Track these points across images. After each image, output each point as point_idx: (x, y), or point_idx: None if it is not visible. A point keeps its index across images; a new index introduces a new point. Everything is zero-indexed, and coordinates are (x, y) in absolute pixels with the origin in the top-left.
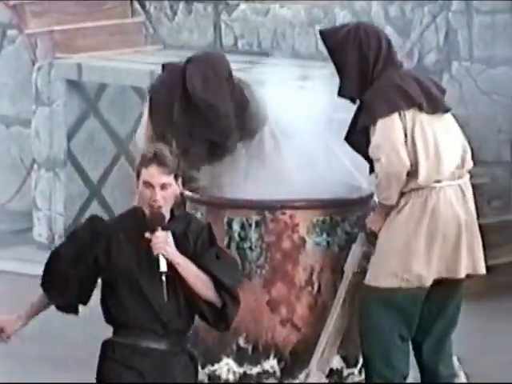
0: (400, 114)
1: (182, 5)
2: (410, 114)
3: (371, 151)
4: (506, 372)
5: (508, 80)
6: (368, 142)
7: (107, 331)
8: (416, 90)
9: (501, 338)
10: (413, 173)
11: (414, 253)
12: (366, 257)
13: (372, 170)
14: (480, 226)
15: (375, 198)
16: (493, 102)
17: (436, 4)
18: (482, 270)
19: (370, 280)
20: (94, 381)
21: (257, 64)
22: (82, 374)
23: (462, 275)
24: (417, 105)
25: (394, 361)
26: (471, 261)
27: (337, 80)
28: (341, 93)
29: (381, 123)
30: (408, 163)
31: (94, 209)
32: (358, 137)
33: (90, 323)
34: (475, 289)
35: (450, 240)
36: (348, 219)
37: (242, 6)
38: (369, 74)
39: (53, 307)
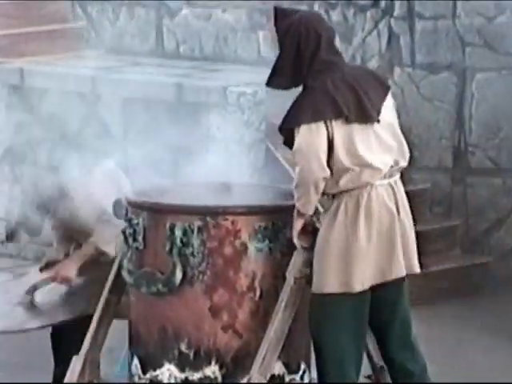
0: (326, 123)
1: (124, 9)
2: (337, 123)
3: (293, 154)
4: (446, 378)
5: (450, 86)
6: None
7: None
8: (347, 101)
9: (442, 344)
10: (342, 178)
11: (354, 255)
12: (307, 262)
13: None
14: (422, 232)
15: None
16: (435, 108)
17: (378, 9)
18: (416, 269)
19: (314, 288)
20: None
21: (199, 69)
22: None
23: (400, 275)
24: (343, 116)
25: (348, 369)
26: (407, 259)
27: None
28: (270, 84)
29: (304, 129)
30: (327, 172)
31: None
32: (287, 133)
33: None
34: (416, 295)
35: (384, 239)
36: (290, 225)
37: (184, 11)
38: (302, 73)
39: None
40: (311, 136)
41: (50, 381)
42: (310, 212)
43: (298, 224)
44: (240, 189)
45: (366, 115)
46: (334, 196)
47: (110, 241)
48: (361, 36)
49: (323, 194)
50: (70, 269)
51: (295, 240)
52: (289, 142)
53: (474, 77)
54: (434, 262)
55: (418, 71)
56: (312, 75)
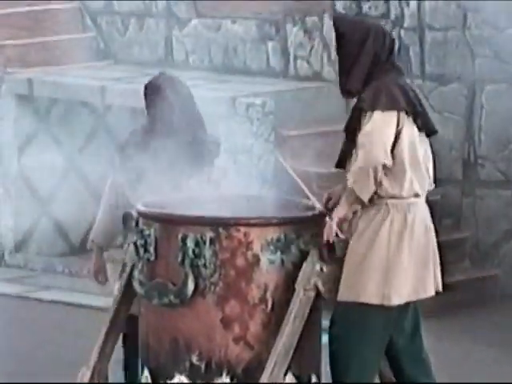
0: (398, 114)
1: (133, 20)
2: (407, 120)
3: (360, 137)
4: None
5: (460, 97)
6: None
7: None
8: (416, 100)
9: (451, 357)
10: (397, 180)
11: (397, 270)
12: (318, 274)
13: (338, 164)
14: None
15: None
16: (445, 119)
17: (388, 20)
18: (440, 288)
19: (347, 295)
20: None
21: (208, 80)
22: None
23: (431, 294)
24: (415, 113)
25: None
26: (436, 278)
27: (286, 96)
28: (346, 87)
29: (378, 114)
30: (389, 159)
31: (44, 225)
32: (351, 123)
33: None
34: (426, 307)
35: (422, 257)
36: (302, 237)
37: (194, 21)
38: (375, 72)
39: None
40: (383, 123)
41: None
42: (365, 199)
43: (342, 210)
44: (252, 200)
45: (429, 124)
46: (379, 206)
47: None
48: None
49: (370, 201)
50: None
51: (334, 226)
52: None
53: (484, 88)
54: (444, 274)
55: (427, 82)
56: (383, 73)
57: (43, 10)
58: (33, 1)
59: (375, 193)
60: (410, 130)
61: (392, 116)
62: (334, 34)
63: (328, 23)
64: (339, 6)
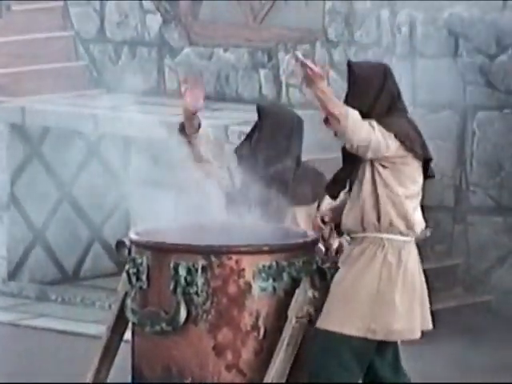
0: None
1: (126, 49)
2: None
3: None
4: None
5: (451, 124)
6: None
7: None
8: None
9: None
10: (401, 214)
11: (387, 305)
12: (311, 302)
13: (329, 190)
14: (423, 271)
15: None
16: (436, 146)
17: (380, 48)
18: (430, 326)
19: (331, 324)
20: None
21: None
22: None
23: (418, 335)
24: (427, 159)
25: None
26: (426, 317)
27: None
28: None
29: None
30: (391, 151)
31: (38, 253)
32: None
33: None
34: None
35: (414, 297)
36: (294, 264)
37: (186, 49)
38: (393, 112)
39: None
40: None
41: None
42: (338, 127)
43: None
44: (243, 228)
45: (431, 169)
46: (370, 241)
47: None
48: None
49: (363, 229)
50: None
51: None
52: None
53: (476, 115)
54: (435, 300)
55: (419, 109)
56: (398, 113)
57: (36, 39)
58: (25, 30)
59: (378, 220)
60: (418, 171)
61: (393, 140)
62: (348, 79)
63: (320, 51)
64: (331, 34)
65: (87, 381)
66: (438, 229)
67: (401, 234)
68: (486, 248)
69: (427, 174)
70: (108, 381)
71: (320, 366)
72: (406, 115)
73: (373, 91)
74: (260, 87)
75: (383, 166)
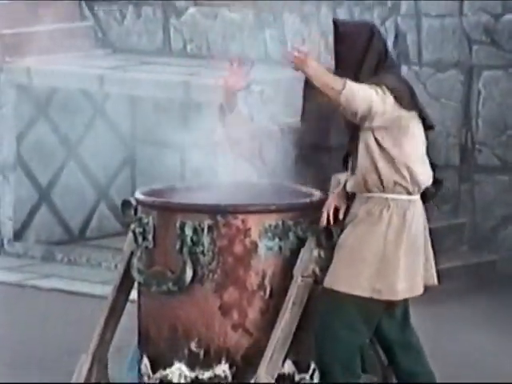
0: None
1: (131, 9)
2: (413, 115)
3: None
4: (454, 377)
5: (457, 84)
6: None
7: None
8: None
9: (450, 342)
10: (403, 172)
11: (392, 266)
12: (316, 261)
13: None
14: (429, 230)
15: None
16: (442, 106)
17: (385, 8)
18: (436, 281)
19: (337, 284)
20: None
21: (206, 68)
22: None
23: (421, 291)
24: (420, 110)
25: (355, 369)
26: (431, 271)
27: (284, 84)
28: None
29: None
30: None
31: (43, 213)
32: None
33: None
34: (423, 293)
35: (417, 255)
36: (300, 224)
37: (191, 9)
38: (380, 69)
39: None
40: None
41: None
42: (334, 91)
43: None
44: (249, 187)
45: (427, 119)
46: (376, 201)
47: None
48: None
49: (368, 190)
50: None
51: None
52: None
53: (481, 74)
54: (442, 259)
55: (424, 69)
56: (387, 70)
57: (42, 0)
58: None
59: (381, 183)
60: (417, 125)
61: (388, 95)
62: (333, 36)
63: (324, 11)
64: None
65: (93, 341)
66: (444, 188)
67: (406, 193)
68: (491, 207)
69: (426, 125)
70: (114, 340)
71: (326, 325)
72: (394, 71)
73: (359, 49)
74: (266, 47)
75: (379, 130)
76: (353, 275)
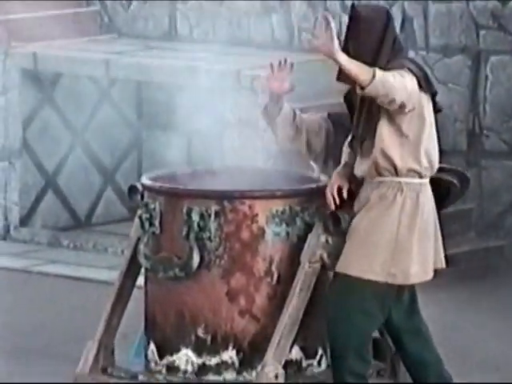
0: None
1: None
2: (426, 98)
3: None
4: (462, 363)
5: (464, 69)
6: None
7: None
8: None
9: (456, 327)
10: (415, 155)
11: (406, 250)
12: (324, 246)
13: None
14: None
15: None
16: (449, 90)
17: None
18: (444, 265)
19: (350, 269)
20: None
21: (212, 53)
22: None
23: (431, 275)
24: (433, 93)
25: (367, 355)
26: (440, 255)
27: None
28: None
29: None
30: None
31: (50, 199)
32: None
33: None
34: (431, 279)
35: (429, 239)
36: (307, 209)
37: None
38: (395, 53)
39: None
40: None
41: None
42: (366, 81)
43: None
44: (257, 173)
45: (439, 103)
46: (389, 185)
47: None
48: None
49: (380, 174)
50: None
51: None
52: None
53: (488, 59)
54: (449, 245)
55: (432, 54)
56: (400, 53)
57: None
58: None
59: (395, 168)
60: (429, 108)
61: (414, 79)
62: (350, 21)
63: None
64: None
65: (99, 327)
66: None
67: (418, 176)
68: (499, 192)
69: (435, 108)
70: (120, 327)
71: (340, 310)
72: (406, 55)
73: (377, 34)
74: (272, 32)
75: (400, 114)
76: (367, 260)
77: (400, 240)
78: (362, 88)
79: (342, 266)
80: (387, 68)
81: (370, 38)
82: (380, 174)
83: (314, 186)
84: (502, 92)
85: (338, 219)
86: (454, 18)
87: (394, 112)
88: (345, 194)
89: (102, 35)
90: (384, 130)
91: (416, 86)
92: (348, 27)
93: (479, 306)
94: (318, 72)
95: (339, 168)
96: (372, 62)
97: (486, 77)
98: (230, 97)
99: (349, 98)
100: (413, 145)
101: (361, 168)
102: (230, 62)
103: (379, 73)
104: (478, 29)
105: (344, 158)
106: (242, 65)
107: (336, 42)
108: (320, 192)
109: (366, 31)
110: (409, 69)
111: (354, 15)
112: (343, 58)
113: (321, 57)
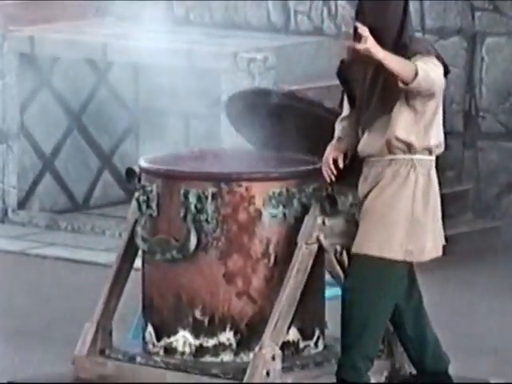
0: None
1: None
2: None
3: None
4: (459, 345)
5: (460, 51)
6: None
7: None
8: None
9: (454, 308)
10: (425, 130)
11: (421, 226)
12: (320, 228)
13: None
14: None
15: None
16: None
17: None
18: (444, 241)
19: (368, 249)
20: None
21: (209, 36)
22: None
23: (441, 252)
24: (446, 71)
25: (380, 339)
26: (441, 232)
27: (287, 51)
28: (402, 43)
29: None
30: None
31: (47, 181)
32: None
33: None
34: (428, 260)
35: (438, 215)
36: (304, 191)
37: None
38: (405, 36)
39: None
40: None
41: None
42: (409, 75)
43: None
44: (253, 155)
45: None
46: (401, 163)
47: None
48: None
49: (391, 152)
50: None
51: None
52: None
53: (484, 41)
54: (446, 226)
55: (427, 36)
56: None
57: None
58: None
59: (408, 145)
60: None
61: (441, 68)
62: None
63: None
64: None
65: (97, 309)
66: (448, 155)
67: (429, 153)
68: (495, 174)
69: None
70: (118, 309)
71: (357, 291)
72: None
73: (399, 17)
74: (268, 14)
75: (412, 93)
76: (384, 238)
77: (415, 217)
78: (405, 84)
79: (360, 247)
80: (412, 50)
81: (394, 22)
82: (392, 152)
83: (310, 167)
84: (497, 74)
85: (334, 200)
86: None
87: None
88: (341, 165)
89: (99, 18)
90: (402, 107)
91: (442, 73)
92: (362, 8)
93: (476, 287)
94: (315, 54)
95: (333, 141)
96: (394, 48)
97: (482, 58)
98: (227, 79)
99: (344, 74)
100: (427, 122)
101: (370, 146)
102: (227, 44)
103: (421, 69)
104: (474, 10)
105: (337, 133)
106: (239, 47)
107: (371, 39)
108: (317, 173)
109: (388, 16)
110: (436, 56)
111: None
112: (382, 55)
113: (316, 39)
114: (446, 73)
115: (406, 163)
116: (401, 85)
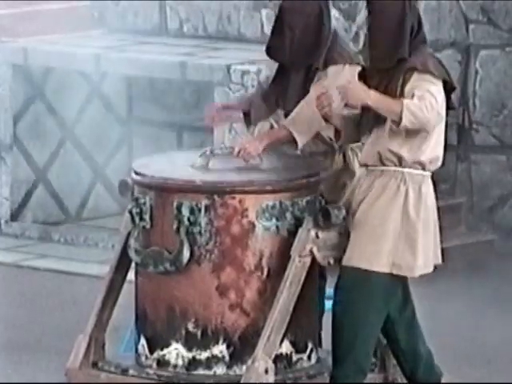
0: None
1: None
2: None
3: (422, 91)
4: (452, 357)
5: (454, 63)
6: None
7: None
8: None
9: (447, 321)
10: (420, 145)
11: (411, 241)
12: (314, 241)
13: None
14: None
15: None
16: None
17: None
18: (440, 261)
19: (358, 261)
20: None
21: (203, 48)
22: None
23: (431, 269)
24: (451, 89)
25: (365, 366)
26: (437, 253)
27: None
28: (397, 55)
29: (430, 79)
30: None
31: (40, 193)
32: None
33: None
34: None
35: (432, 230)
36: (297, 204)
37: None
38: (414, 43)
39: None
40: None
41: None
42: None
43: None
44: (247, 167)
45: (451, 101)
46: (391, 175)
47: (303, 132)
48: (364, 13)
49: (383, 164)
50: (257, 147)
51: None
52: None
53: (478, 54)
54: (440, 239)
55: None
56: (419, 45)
57: None
58: None
59: (399, 159)
60: (444, 104)
61: (440, 84)
62: (368, 10)
63: None
64: None
65: (90, 321)
66: (441, 167)
67: (422, 168)
68: (489, 187)
69: (448, 104)
70: (111, 321)
71: (347, 304)
72: (426, 45)
73: (394, 21)
74: (262, 26)
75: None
76: (373, 252)
77: (405, 231)
78: (397, 124)
79: (349, 260)
80: (409, 64)
81: (388, 26)
82: (383, 163)
83: (304, 180)
84: (491, 86)
85: (328, 213)
86: (443, 12)
87: None
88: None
89: (92, 30)
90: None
91: (443, 95)
92: (371, 21)
93: (469, 300)
94: None
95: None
96: (393, 52)
97: (476, 71)
98: (221, 91)
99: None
100: (422, 137)
101: (366, 154)
102: (220, 56)
103: (408, 110)
104: (468, 23)
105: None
106: (232, 60)
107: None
108: (310, 187)
109: (383, 19)
110: (444, 79)
111: (372, 5)
112: (372, 100)
113: None
114: (451, 88)
115: (396, 176)
116: (391, 124)
